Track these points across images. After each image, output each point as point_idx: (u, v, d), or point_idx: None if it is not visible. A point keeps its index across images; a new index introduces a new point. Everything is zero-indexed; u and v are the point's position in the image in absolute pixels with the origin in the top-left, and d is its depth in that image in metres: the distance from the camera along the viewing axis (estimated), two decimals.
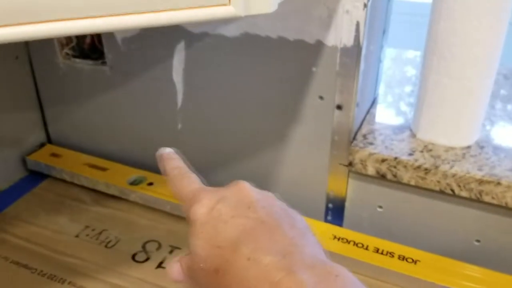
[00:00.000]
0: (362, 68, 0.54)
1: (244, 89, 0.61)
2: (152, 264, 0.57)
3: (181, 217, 0.62)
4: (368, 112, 0.65)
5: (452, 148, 0.56)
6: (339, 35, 0.52)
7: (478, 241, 0.57)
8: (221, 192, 0.28)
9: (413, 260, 0.53)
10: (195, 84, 0.64)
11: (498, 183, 0.51)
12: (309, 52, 0.55)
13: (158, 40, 0.63)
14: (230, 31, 0.58)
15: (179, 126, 0.68)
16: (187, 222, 0.27)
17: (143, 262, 0.57)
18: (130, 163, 0.70)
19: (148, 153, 0.77)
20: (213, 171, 0.69)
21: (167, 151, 0.33)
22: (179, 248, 0.59)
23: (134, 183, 0.67)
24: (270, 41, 0.56)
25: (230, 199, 0.27)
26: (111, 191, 0.66)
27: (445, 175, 0.53)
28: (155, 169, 0.71)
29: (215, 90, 0.63)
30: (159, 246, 0.60)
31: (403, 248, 0.54)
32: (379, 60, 0.64)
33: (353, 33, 0.51)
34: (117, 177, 0.67)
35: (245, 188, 0.27)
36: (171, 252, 0.59)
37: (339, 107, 0.56)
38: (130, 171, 0.68)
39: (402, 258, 0.53)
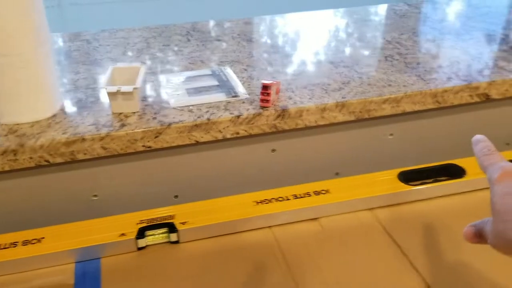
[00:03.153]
0: None
1: None
2: None
3: None
4: None
5: (37, 122, 0.57)
6: None
7: (95, 196, 0.62)
8: None
9: (38, 239, 0.53)
10: None
11: (83, 139, 0.55)
12: None
13: None
14: None
15: None
16: (490, 190, 0.34)
17: None
18: None
19: None
20: None
21: (477, 137, 0.38)
22: None
23: None
24: None
25: None
26: None
27: (34, 149, 0.54)
28: None
29: None
30: None
31: (26, 233, 0.54)
32: None
33: None
34: None
35: None
36: None
37: None
38: None
39: (25, 243, 0.53)
